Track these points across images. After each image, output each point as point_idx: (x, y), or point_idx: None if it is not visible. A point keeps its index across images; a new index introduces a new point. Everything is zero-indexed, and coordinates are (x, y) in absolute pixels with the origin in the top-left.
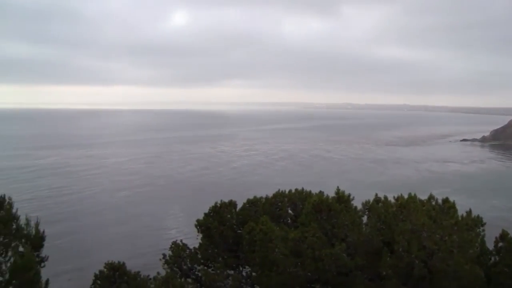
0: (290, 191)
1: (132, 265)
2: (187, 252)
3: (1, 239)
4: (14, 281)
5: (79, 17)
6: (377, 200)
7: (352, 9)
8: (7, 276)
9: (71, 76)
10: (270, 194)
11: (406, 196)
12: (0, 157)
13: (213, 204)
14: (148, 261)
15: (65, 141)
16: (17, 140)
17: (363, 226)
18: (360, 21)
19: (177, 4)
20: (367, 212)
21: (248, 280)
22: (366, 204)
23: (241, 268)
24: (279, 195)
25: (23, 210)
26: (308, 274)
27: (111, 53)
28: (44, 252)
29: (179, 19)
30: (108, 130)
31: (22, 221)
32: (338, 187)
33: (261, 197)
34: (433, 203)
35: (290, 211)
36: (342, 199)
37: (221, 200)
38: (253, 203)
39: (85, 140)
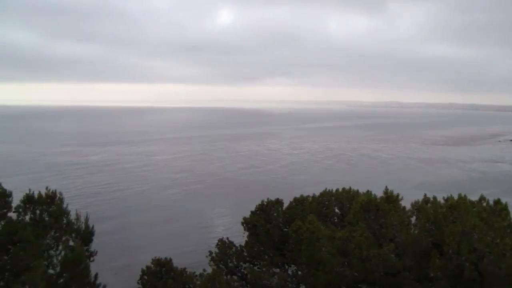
0: (337, 190)
1: (178, 262)
2: (233, 250)
3: (53, 233)
4: (64, 274)
5: (126, 17)
6: (426, 200)
7: (398, 6)
8: (58, 269)
9: (118, 74)
10: (317, 193)
11: (456, 197)
12: (50, 153)
13: (259, 202)
14: (194, 258)
15: (113, 138)
16: (66, 136)
17: (412, 226)
18: (406, 18)
19: (223, 2)
20: (415, 213)
21: (294, 279)
22: (415, 204)
23: (286, 267)
24: (326, 194)
25: (73, 205)
26: (355, 274)
27: (157, 51)
28: (92, 247)
29: (224, 17)
30: (154, 128)
31: (72, 216)
32: (386, 187)
33: (307, 196)
34: (484, 204)
35: (337, 210)
36: (390, 199)
37: (268, 198)
38: (299, 201)
39: (131, 137)
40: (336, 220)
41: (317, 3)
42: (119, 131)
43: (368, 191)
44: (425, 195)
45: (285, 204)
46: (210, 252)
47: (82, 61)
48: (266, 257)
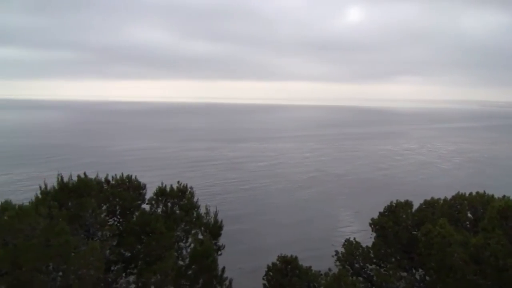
0: (470, 193)
1: (303, 260)
2: (360, 251)
3: (183, 225)
4: (193, 266)
5: (256, 16)
6: None
7: None
8: (187, 260)
9: (248, 72)
10: (448, 196)
11: None
12: (180, 148)
13: (385, 202)
14: (319, 257)
15: (243, 135)
16: (199, 132)
17: None
18: None
19: (352, 0)
20: None
21: (422, 284)
22: None
23: (414, 271)
24: (458, 197)
25: (203, 199)
26: (488, 283)
27: (287, 49)
28: (220, 241)
29: (353, 15)
30: (282, 125)
31: (202, 210)
32: None
33: (438, 199)
34: None
35: (469, 215)
36: None
37: (397, 200)
38: (430, 204)
39: (260, 134)
40: (468, 225)
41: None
42: (249, 128)
43: (504, 196)
44: None
45: (415, 206)
46: (336, 252)
47: (214, 59)
48: (393, 259)
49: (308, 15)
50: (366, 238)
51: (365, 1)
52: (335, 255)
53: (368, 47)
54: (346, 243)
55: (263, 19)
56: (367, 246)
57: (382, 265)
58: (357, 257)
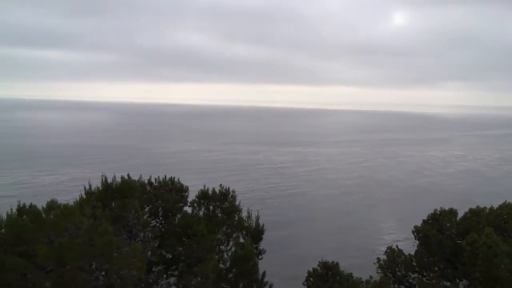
0: None
1: (343, 266)
2: (402, 258)
3: (224, 229)
4: (234, 269)
5: (300, 19)
6: None
7: None
8: (228, 263)
9: (290, 76)
10: (495, 205)
11: None
12: (224, 151)
13: (429, 210)
14: (359, 264)
15: (284, 139)
16: (241, 136)
17: None
18: None
19: (398, 4)
20: None
21: None
22: None
23: (458, 281)
24: (506, 206)
25: (244, 204)
26: None
27: (329, 53)
28: (261, 245)
29: (398, 20)
30: (323, 130)
31: (244, 214)
32: None
33: (484, 207)
34: None
35: None
36: None
37: (441, 207)
38: (475, 213)
39: (297, 138)
40: None
41: (496, 3)
42: (292, 132)
43: None
44: None
45: (459, 215)
46: (378, 259)
47: (257, 62)
48: (437, 268)
49: (352, 19)
50: (409, 246)
51: (410, 5)
52: (377, 262)
53: (413, 52)
54: (388, 250)
55: (307, 22)
56: (409, 254)
57: (424, 274)
58: (399, 265)
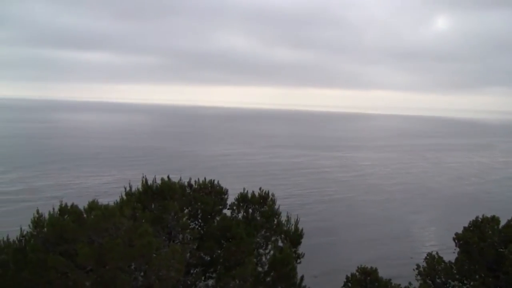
0: None
1: (383, 272)
2: (442, 266)
3: (263, 232)
4: (272, 273)
5: (340, 23)
6: None
7: None
8: (266, 267)
9: (331, 80)
10: None
11: None
12: (264, 155)
13: (471, 217)
14: (398, 270)
15: (318, 142)
16: (282, 139)
17: None
18: None
19: (440, 8)
20: None
21: None
22: None
23: None
24: None
25: (283, 207)
26: None
27: (371, 58)
28: (300, 249)
29: (441, 24)
30: (361, 134)
31: (283, 218)
32: None
33: None
34: None
35: None
36: None
37: (483, 215)
38: None
39: (338, 142)
40: None
41: None
42: (334, 137)
43: None
44: None
45: (502, 222)
46: (418, 266)
47: (297, 66)
48: (478, 277)
49: (395, 24)
50: (449, 253)
51: (453, 9)
52: (416, 269)
53: (456, 56)
54: (428, 257)
55: (350, 27)
56: (449, 262)
57: (465, 282)
58: (439, 273)
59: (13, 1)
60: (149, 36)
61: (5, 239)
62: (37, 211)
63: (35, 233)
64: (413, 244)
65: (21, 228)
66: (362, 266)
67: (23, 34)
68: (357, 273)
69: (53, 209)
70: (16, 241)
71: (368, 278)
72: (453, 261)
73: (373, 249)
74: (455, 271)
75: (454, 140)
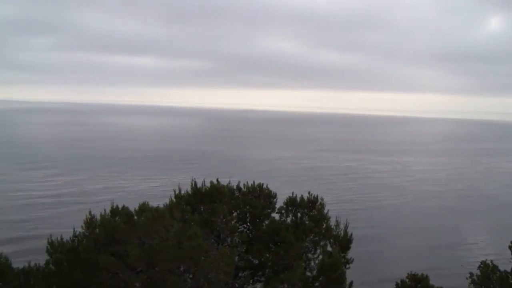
0: None
1: (432, 279)
2: (497, 275)
3: (312, 236)
4: (320, 278)
5: (392, 26)
6: None
7: None
8: (314, 272)
9: (380, 83)
10: None
11: None
12: (312, 159)
13: None
14: (449, 278)
15: (368, 146)
16: (323, 142)
17: None
18: None
19: (493, 9)
20: None
21: None
22: None
23: None
24: None
25: (332, 211)
26: None
27: (421, 60)
28: (349, 254)
29: (494, 25)
30: (411, 138)
31: (332, 222)
32: None
33: None
34: None
35: None
36: None
37: None
38: None
39: (387, 146)
40: None
41: None
42: (376, 140)
43: None
44: None
45: None
46: (471, 274)
47: (345, 69)
48: None
49: (444, 25)
50: (505, 262)
51: (507, 9)
52: (470, 277)
53: (509, 58)
54: (481, 265)
55: (397, 29)
56: (505, 271)
57: None
58: (494, 282)
59: (64, 9)
60: (197, 40)
61: (59, 239)
62: (89, 212)
63: (87, 233)
64: (466, 253)
65: (73, 229)
66: (412, 273)
67: (72, 40)
68: (407, 280)
69: (105, 210)
70: (69, 241)
71: (419, 285)
72: (509, 270)
73: (423, 257)
74: (511, 281)
75: (508, 145)
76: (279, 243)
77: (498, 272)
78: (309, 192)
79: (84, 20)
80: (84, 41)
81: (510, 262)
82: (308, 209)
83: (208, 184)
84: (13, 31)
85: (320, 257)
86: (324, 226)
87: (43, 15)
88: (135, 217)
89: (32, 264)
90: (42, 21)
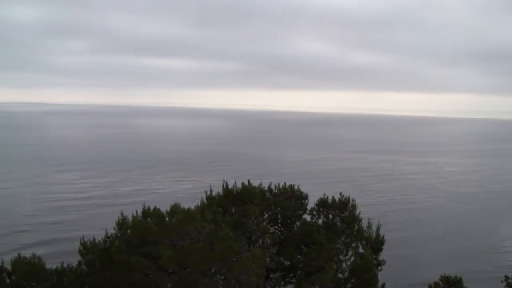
0: None
1: (467, 284)
2: None
3: (343, 238)
4: (352, 280)
5: (423, 26)
6: None
7: None
8: (346, 273)
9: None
10: None
11: None
12: (341, 160)
13: None
14: (483, 280)
15: (400, 147)
16: (354, 143)
17: None
18: None
19: None
20: None
21: None
22: None
23: None
24: None
25: (364, 213)
26: None
27: (453, 60)
28: (381, 256)
29: None
30: (444, 139)
31: (364, 224)
32: None
33: None
34: None
35: None
36: None
37: None
38: None
39: (419, 147)
40: None
41: None
42: (409, 141)
43: None
44: None
45: None
46: (507, 277)
47: (376, 70)
48: None
49: (477, 24)
50: None
51: None
52: (505, 280)
53: None
54: None
55: (430, 29)
56: None
57: None
58: None
59: (96, 12)
60: (228, 42)
61: (91, 240)
62: (121, 214)
63: (119, 235)
64: (502, 256)
65: (106, 230)
66: (446, 275)
67: (105, 43)
68: (440, 282)
69: (136, 212)
70: (102, 242)
71: (452, 287)
72: None
73: (457, 261)
74: None
75: None
76: (310, 245)
77: None
78: (340, 194)
79: (116, 23)
80: (116, 43)
81: None
82: (340, 211)
83: (239, 186)
84: (46, 34)
85: (352, 258)
86: (356, 227)
87: (76, 18)
88: (167, 219)
89: (65, 265)
90: (75, 24)
